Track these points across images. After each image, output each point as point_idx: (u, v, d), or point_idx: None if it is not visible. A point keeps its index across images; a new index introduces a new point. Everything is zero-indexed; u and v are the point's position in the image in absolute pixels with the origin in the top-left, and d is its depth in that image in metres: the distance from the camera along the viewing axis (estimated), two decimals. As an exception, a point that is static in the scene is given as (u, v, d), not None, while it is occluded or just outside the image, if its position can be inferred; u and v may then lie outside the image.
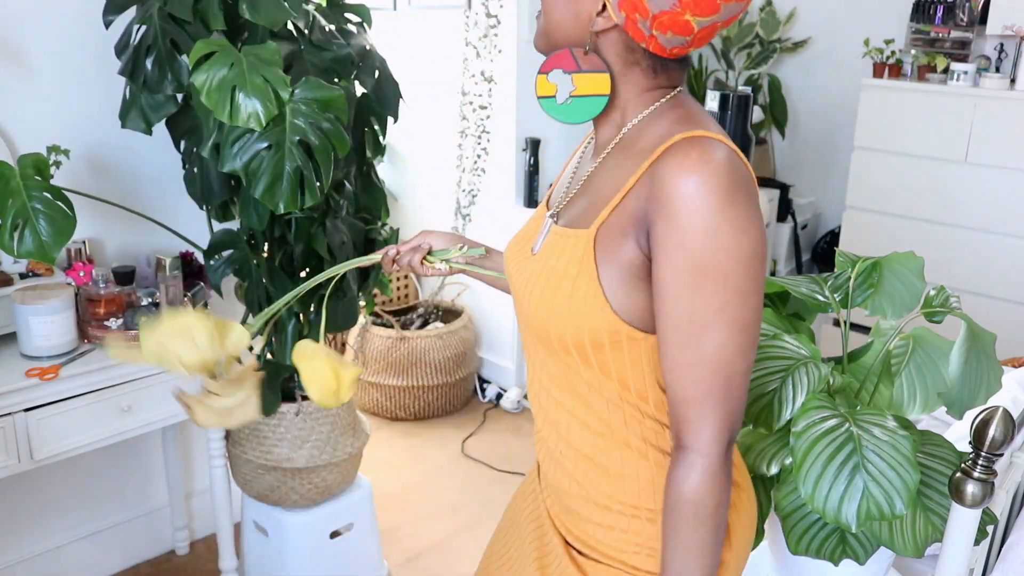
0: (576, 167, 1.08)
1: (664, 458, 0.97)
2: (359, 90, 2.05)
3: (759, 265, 0.85)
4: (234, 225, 2.10)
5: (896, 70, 3.59)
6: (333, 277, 1.26)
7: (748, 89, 2.84)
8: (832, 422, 1.19)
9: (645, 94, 0.96)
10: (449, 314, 3.55)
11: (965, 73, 3.33)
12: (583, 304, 0.91)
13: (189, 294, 1.94)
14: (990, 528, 1.33)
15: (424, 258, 1.25)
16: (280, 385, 2.13)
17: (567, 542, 1.06)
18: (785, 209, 4.09)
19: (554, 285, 0.94)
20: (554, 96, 0.96)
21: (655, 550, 0.98)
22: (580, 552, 1.04)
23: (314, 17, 1.95)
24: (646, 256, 0.88)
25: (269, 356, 2.12)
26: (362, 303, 2.19)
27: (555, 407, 1.02)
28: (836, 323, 3.71)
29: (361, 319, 3.24)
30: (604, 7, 0.92)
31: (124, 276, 1.93)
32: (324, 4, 2.03)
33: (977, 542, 1.25)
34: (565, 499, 1.05)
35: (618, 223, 0.90)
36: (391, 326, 3.34)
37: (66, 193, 1.71)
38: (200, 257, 2.10)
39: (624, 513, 0.99)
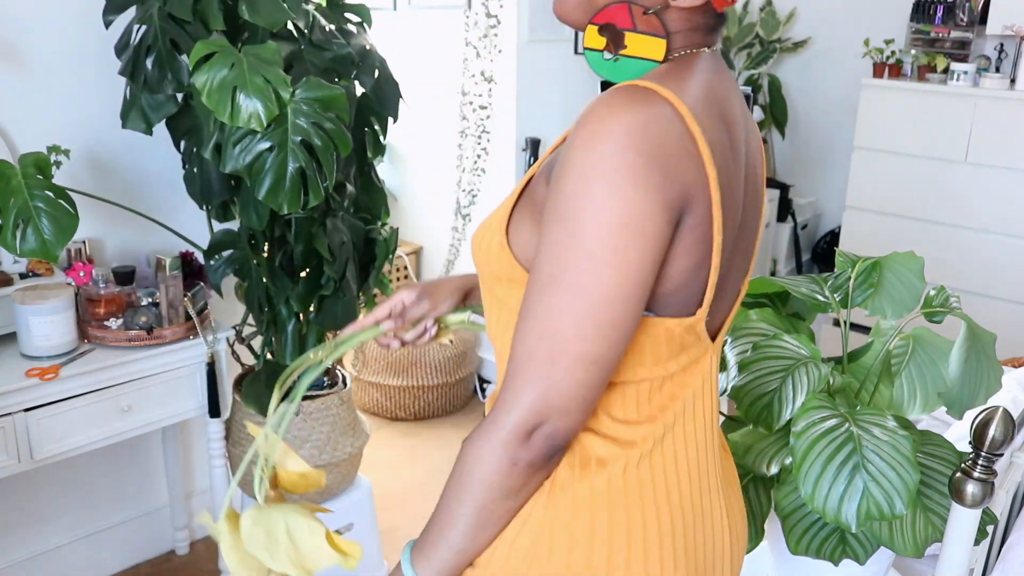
0: None
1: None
2: (359, 90, 2.05)
3: (627, 239, 0.73)
4: (234, 225, 2.10)
5: (896, 70, 3.59)
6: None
7: (748, 89, 2.84)
8: (832, 422, 1.19)
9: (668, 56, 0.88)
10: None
11: (965, 73, 3.33)
12: (492, 238, 0.87)
13: (189, 294, 1.94)
14: (990, 528, 1.34)
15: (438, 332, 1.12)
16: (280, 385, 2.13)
17: None
18: (785, 209, 4.09)
19: (486, 222, 0.90)
20: (601, 51, 0.88)
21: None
22: None
23: (314, 17, 1.95)
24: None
25: (269, 356, 2.12)
26: (362, 303, 2.19)
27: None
28: (836, 323, 3.71)
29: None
30: None
31: (124, 276, 1.93)
32: (324, 4, 2.03)
33: (977, 542, 1.25)
34: None
35: (548, 165, 0.85)
36: (391, 326, 3.33)
37: (67, 192, 1.71)
38: (200, 257, 2.11)
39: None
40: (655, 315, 0.82)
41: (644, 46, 0.86)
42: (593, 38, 0.88)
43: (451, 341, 1.16)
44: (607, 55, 0.88)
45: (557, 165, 0.78)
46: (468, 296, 1.13)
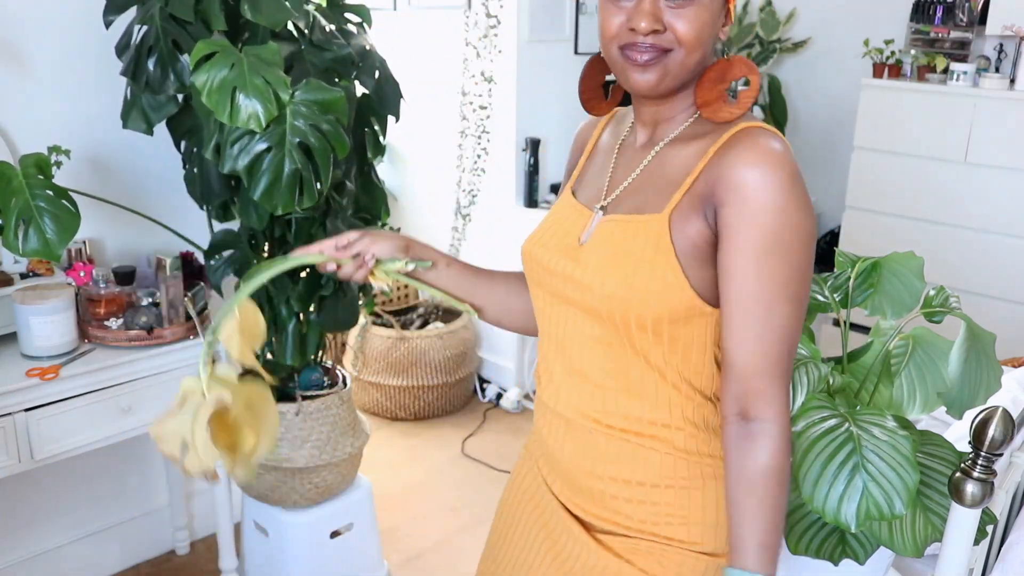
0: (613, 159, 1.10)
1: (697, 432, 1.02)
2: (359, 90, 2.05)
3: (814, 244, 0.94)
4: (234, 225, 2.10)
5: (896, 70, 3.59)
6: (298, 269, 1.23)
7: (748, 89, 2.84)
8: (832, 422, 1.19)
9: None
10: (449, 314, 3.55)
11: (965, 73, 3.33)
12: (664, 283, 0.95)
13: (189, 294, 1.94)
14: (990, 528, 1.34)
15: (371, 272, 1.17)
16: (279, 385, 2.13)
17: (586, 524, 1.07)
18: (785, 209, 4.09)
19: (631, 268, 0.97)
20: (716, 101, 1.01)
21: (686, 518, 1.02)
22: (604, 531, 1.06)
23: (314, 17, 1.95)
24: (712, 232, 0.95)
25: (269, 356, 2.12)
26: (362, 303, 2.19)
27: (593, 390, 1.04)
28: (836, 323, 3.71)
29: (361, 319, 3.25)
30: (728, 5, 0.99)
31: (124, 276, 1.93)
32: (324, 4, 2.03)
33: (977, 542, 1.25)
34: (587, 480, 1.06)
35: (688, 205, 0.96)
36: (391, 326, 3.34)
37: (68, 192, 1.71)
38: (200, 257, 2.11)
39: (658, 485, 1.02)
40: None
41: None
42: (705, 94, 1.02)
43: (388, 288, 1.21)
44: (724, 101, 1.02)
45: (732, 210, 0.92)
46: (408, 250, 1.18)
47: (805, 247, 0.92)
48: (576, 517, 1.09)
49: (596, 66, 1.13)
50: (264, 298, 2.00)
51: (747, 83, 0.99)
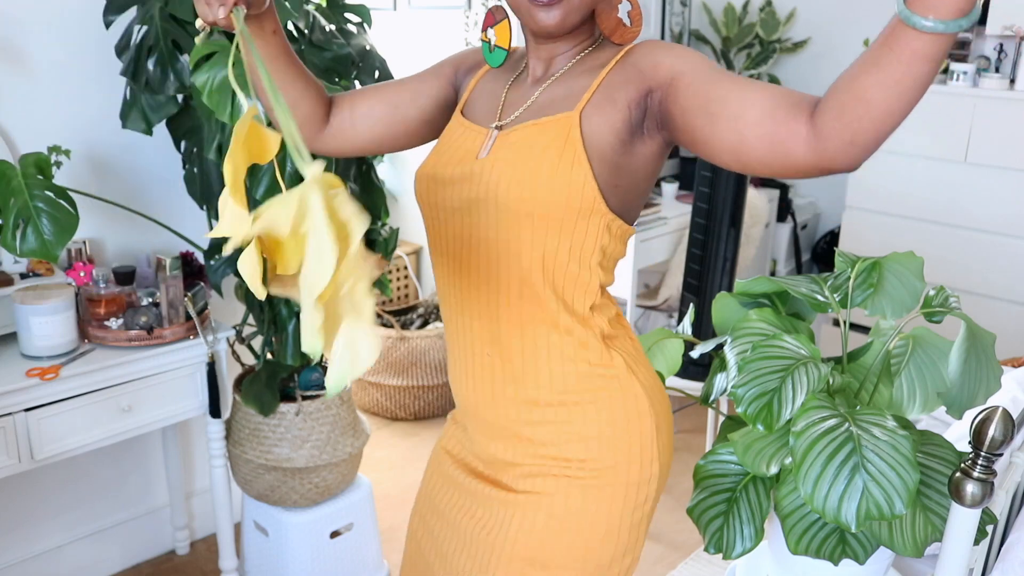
0: (506, 89, 1.13)
1: (586, 340, 1.06)
2: (359, 90, 2.05)
3: None
4: (234, 225, 2.10)
5: (896, 70, 3.58)
6: None
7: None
8: (832, 422, 1.19)
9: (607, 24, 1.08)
10: (449, 314, 3.55)
11: (965, 73, 3.33)
12: (571, 175, 0.99)
13: (189, 294, 1.94)
14: (990, 528, 1.34)
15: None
16: (279, 385, 2.13)
17: (503, 484, 1.11)
18: (785, 209, 4.09)
19: (535, 163, 1.00)
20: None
21: (583, 435, 1.06)
22: (526, 476, 1.09)
23: (314, 17, 1.95)
24: (632, 115, 1.00)
25: (269, 356, 2.12)
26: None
27: (487, 313, 1.07)
28: (836, 323, 3.71)
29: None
30: None
31: (124, 276, 1.93)
32: (324, 4, 2.03)
33: (977, 542, 1.26)
34: (493, 416, 1.10)
35: (601, 98, 1.01)
36: (391, 326, 3.34)
37: (68, 192, 1.71)
38: (200, 257, 2.11)
39: (551, 403, 1.06)
40: (624, 223, 1.05)
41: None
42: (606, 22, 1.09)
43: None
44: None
45: (667, 67, 0.98)
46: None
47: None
48: (491, 480, 1.13)
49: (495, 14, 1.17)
50: (264, 298, 2.00)
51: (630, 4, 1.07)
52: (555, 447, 1.07)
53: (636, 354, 1.12)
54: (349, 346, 0.71)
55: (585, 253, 1.03)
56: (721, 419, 1.57)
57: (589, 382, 1.06)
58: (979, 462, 1.19)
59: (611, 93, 1.02)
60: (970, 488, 1.18)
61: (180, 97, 1.92)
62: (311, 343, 0.71)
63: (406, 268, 3.81)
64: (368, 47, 2.06)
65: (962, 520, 1.21)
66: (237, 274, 2.01)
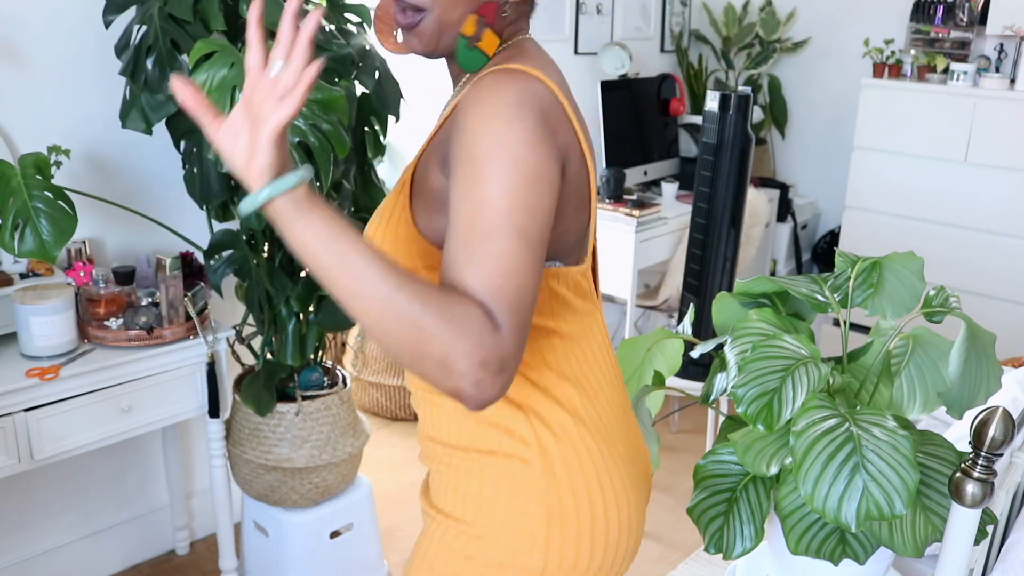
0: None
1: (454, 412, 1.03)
2: (359, 90, 2.05)
3: (543, 186, 0.84)
4: (234, 225, 2.10)
5: (896, 70, 3.59)
6: None
7: (748, 89, 2.83)
8: (832, 422, 1.19)
9: (501, 45, 0.99)
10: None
11: (965, 73, 3.33)
12: (397, 229, 0.97)
13: (189, 294, 1.94)
14: (990, 528, 1.33)
15: None
16: (278, 385, 2.13)
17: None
18: (785, 209, 4.09)
19: (379, 218, 0.99)
20: (469, 38, 0.95)
21: (457, 491, 1.01)
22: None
23: (314, 17, 1.95)
24: (447, 179, 0.90)
25: (269, 356, 2.12)
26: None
27: None
28: (836, 323, 3.71)
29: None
30: None
31: (124, 276, 1.93)
32: (324, 4, 2.03)
33: (977, 542, 1.25)
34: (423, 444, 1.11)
35: (432, 151, 0.96)
36: (391, 326, 3.34)
37: (67, 193, 1.71)
38: (200, 257, 2.11)
39: (448, 447, 1.05)
40: (559, 264, 0.97)
41: (490, 42, 0.96)
42: (470, 26, 0.95)
43: None
44: (471, 44, 0.95)
45: (455, 143, 0.86)
46: None
47: (529, 181, 0.82)
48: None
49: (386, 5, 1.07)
50: (264, 298, 2.00)
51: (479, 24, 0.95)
52: (437, 495, 1.05)
53: (575, 440, 0.98)
54: None
55: None
56: (721, 419, 1.57)
57: (483, 439, 0.98)
58: (979, 462, 1.19)
59: (437, 144, 0.96)
60: (970, 488, 1.18)
61: (180, 97, 1.92)
62: None
63: (406, 268, 3.81)
64: (368, 47, 2.06)
65: (962, 520, 1.21)
66: (236, 274, 2.01)
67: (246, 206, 0.79)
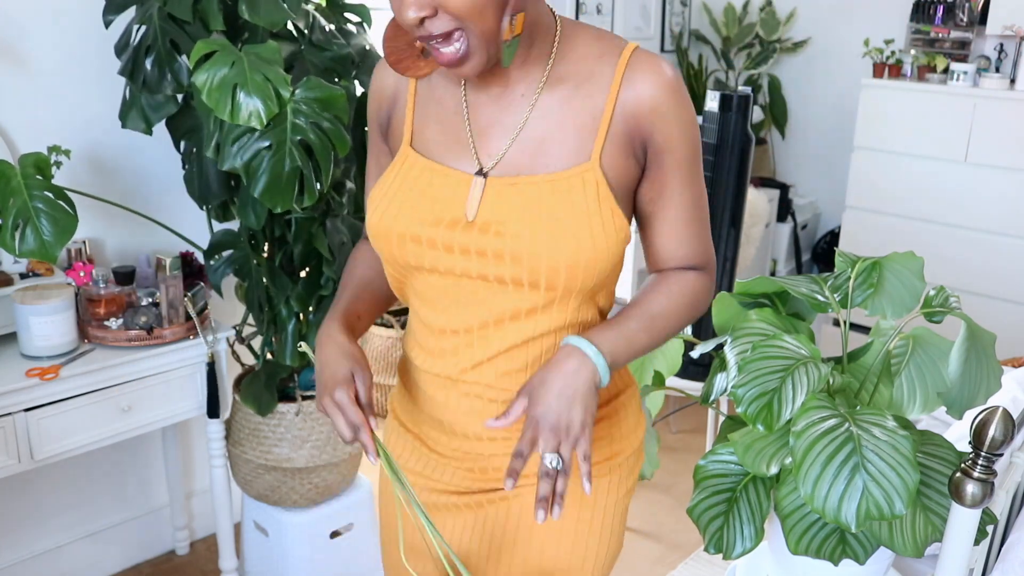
0: (465, 114, 1.00)
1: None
2: (359, 90, 2.05)
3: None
4: (234, 225, 2.10)
5: (896, 70, 3.59)
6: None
7: (748, 89, 2.83)
8: (832, 422, 1.19)
9: (546, 21, 0.97)
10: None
11: (965, 73, 3.33)
12: (614, 232, 0.96)
13: (189, 294, 1.94)
14: (990, 528, 1.33)
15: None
16: (279, 385, 2.13)
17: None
18: (785, 209, 4.09)
19: (572, 231, 0.93)
20: (518, 37, 0.92)
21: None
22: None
23: (314, 17, 1.95)
24: (640, 166, 0.99)
25: (269, 356, 2.12)
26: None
27: (496, 362, 1.02)
28: (836, 323, 3.71)
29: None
30: None
31: (124, 276, 1.93)
32: (324, 4, 2.03)
33: (977, 542, 1.25)
34: (480, 444, 1.08)
35: (615, 147, 0.96)
36: (391, 326, 3.34)
37: (67, 193, 1.71)
38: (200, 257, 2.11)
39: None
40: None
41: (520, 24, 0.92)
42: (519, 26, 0.91)
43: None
44: (514, 37, 0.92)
45: (663, 130, 0.97)
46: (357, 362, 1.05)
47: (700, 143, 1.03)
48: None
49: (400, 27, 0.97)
50: (264, 298, 2.00)
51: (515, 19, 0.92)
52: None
53: None
54: None
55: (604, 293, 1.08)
56: (721, 419, 1.57)
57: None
58: (979, 462, 1.19)
59: (621, 137, 0.96)
60: (970, 488, 1.18)
61: (180, 97, 1.92)
62: None
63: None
64: (368, 47, 2.06)
65: (962, 520, 1.21)
66: (236, 274, 2.01)
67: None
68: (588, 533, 1.12)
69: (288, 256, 1.99)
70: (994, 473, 1.19)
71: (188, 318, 1.95)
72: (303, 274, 2.00)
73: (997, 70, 3.42)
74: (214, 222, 2.06)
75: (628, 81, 0.95)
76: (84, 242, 2.01)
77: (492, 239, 0.94)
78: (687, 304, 1.06)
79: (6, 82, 1.94)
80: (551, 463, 0.91)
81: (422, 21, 0.86)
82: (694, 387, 2.67)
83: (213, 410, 2.02)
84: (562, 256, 0.93)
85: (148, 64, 1.81)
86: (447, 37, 0.88)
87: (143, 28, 1.82)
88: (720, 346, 1.45)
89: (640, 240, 1.09)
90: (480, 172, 0.97)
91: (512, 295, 0.97)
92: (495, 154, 0.98)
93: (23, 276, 1.92)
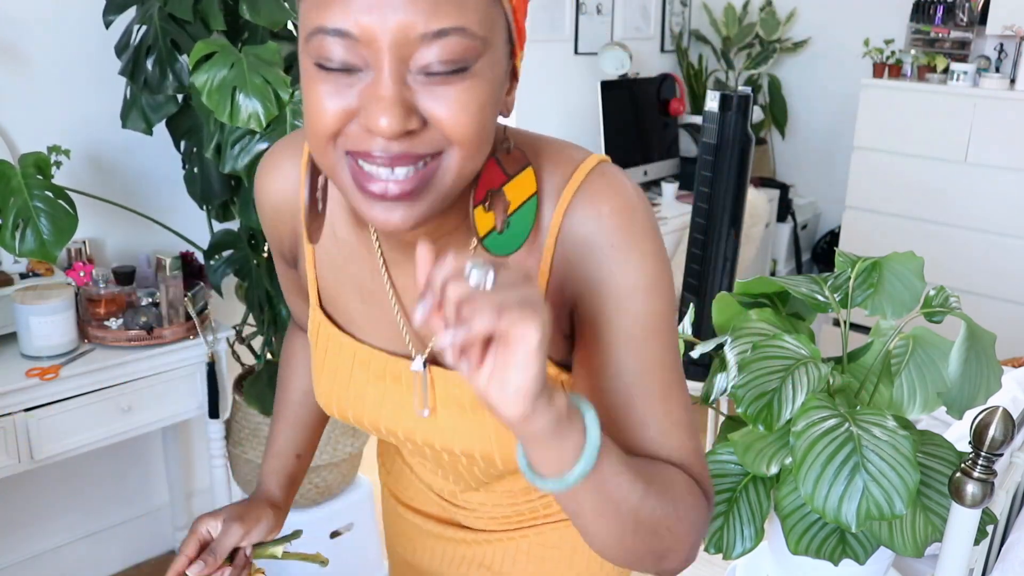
0: (390, 292, 0.77)
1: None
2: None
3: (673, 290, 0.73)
4: (234, 225, 2.10)
5: (896, 70, 3.59)
6: None
7: (748, 89, 2.84)
8: (832, 422, 1.19)
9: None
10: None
11: (965, 73, 3.33)
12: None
13: (189, 294, 1.94)
14: (990, 528, 1.34)
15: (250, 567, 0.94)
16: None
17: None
18: (785, 209, 4.09)
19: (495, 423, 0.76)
20: (494, 228, 0.68)
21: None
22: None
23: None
24: (567, 335, 0.74)
25: (269, 356, 2.12)
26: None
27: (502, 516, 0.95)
28: (836, 323, 3.71)
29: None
30: (514, 63, 0.65)
31: (124, 276, 1.93)
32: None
33: (977, 542, 1.26)
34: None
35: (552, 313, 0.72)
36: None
37: (67, 192, 1.71)
38: (200, 257, 2.11)
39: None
40: None
41: (521, 187, 0.69)
42: (485, 220, 0.67)
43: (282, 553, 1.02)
44: (499, 227, 0.68)
45: (607, 289, 0.69)
46: (284, 511, 0.99)
47: (673, 303, 0.72)
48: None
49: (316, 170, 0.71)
50: (264, 298, 2.00)
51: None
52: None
53: None
54: None
55: None
56: (721, 419, 1.57)
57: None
58: (979, 462, 1.19)
59: (554, 295, 0.73)
60: (970, 488, 1.18)
61: (180, 97, 1.92)
62: None
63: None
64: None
65: (962, 520, 1.21)
66: (237, 274, 2.01)
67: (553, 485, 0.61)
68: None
69: (288, 256, 2.00)
70: (994, 473, 1.19)
71: (188, 318, 1.95)
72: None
73: (997, 70, 3.42)
74: (214, 222, 2.06)
75: (566, 217, 0.70)
76: (84, 242, 2.01)
77: (453, 438, 0.79)
78: (673, 513, 0.67)
79: (6, 82, 1.94)
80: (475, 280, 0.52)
81: (404, 135, 0.59)
82: (694, 387, 2.67)
83: (213, 410, 2.02)
84: (501, 455, 0.77)
85: (149, 64, 1.81)
86: (415, 160, 0.60)
87: (144, 28, 1.82)
88: (720, 346, 1.45)
89: None
90: (419, 360, 0.77)
91: (474, 474, 0.87)
92: (426, 335, 0.78)
93: (23, 276, 1.92)
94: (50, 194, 1.67)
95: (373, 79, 0.58)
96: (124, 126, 1.91)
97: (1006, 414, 1.18)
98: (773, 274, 3.32)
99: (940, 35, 3.55)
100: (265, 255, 2.02)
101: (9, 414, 1.71)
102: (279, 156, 0.80)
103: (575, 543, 0.97)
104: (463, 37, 0.57)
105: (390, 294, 0.77)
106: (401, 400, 0.79)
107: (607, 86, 3.45)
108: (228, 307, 2.31)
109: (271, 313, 2.02)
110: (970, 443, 1.20)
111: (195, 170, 1.96)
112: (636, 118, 3.64)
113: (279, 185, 0.80)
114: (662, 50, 4.02)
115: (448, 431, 0.78)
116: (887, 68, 3.60)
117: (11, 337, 1.84)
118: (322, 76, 0.59)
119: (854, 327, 1.54)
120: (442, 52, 0.57)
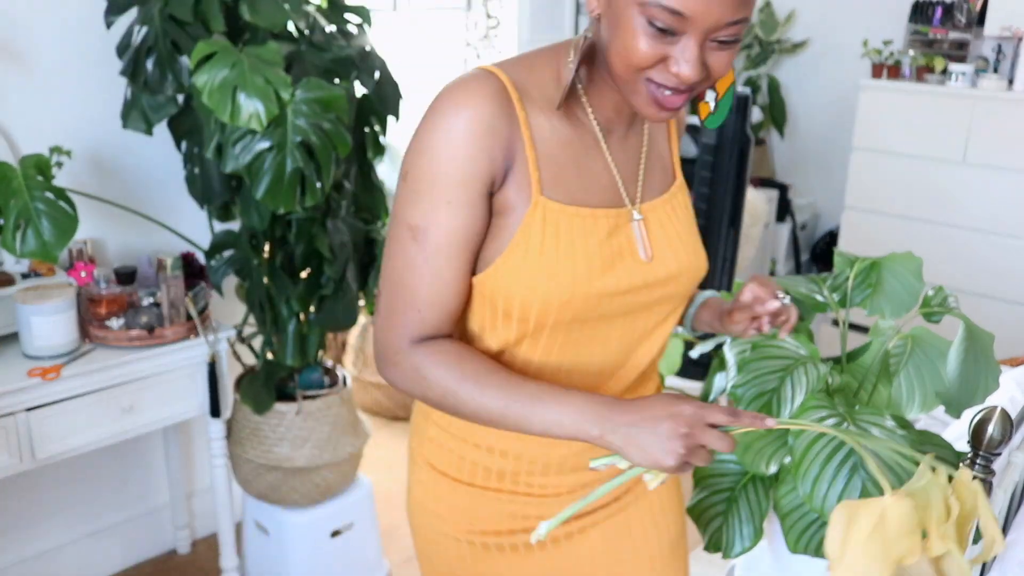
0: (606, 154, 1.00)
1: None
2: (359, 90, 2.06)
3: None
4: (235, 225, 2.10)
5: (894, 71, 3.59)
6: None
7: (747, 90, 2.84)
8: (831, 422, 1.19)
9: None
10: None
11: (963, 74, 3.34)
12: (701, 252, 1.07)
13: (190, 294, 1.95)
14: (988, 527, 1.34)
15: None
16: (279, 385, 2.14)
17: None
18: (784, 209, 4.10)
19: (691, 237, 1.05)
20: (712, 112, 0.96)
21: None
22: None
23: (314, 18, 1.95)
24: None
25: (270, 356, 2.13)
26: (362, 303, 2.20)
27: (642, 361, 1.07)
28: (835, 323, 3.72)
29: (362, 319, 3.25)
30: None
31: (125, 276, 1.94)
32: (324, 5, 2.04)
33: (975, 542, 1.26)
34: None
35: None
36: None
37: (68, 193, 1.71)
38: (201, 257, 2.11)
39: None
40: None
41: (724, 81, 0.97)
42: (703, 108, 0.97)
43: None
44: (713, 108, 0.97)
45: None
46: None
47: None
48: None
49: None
50: (265, 297, 2.00)
51: None
52: None
53: None
54: None
55: None
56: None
57: None
58: (978, 461, 1.19)
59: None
60: (968, 487, 1.18)
61: (181, 97, 1.92)
62: None
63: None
64: (369, 48, 2.06)
65: (960, 519, 1.22)
66: (237, 274, 2.01)
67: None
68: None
69: (289, 256, 2.00)
70: (992, 472, 1.20)
71: (189, 318, 1.95)
72: (304, 274, 2.01)
73: (995, 71, 3.42)
74: (215, 222, 2.07)
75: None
76: (85, 242, 2.02)
77: (663, 269, 1.01)
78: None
79: (8, 83, 1.94)
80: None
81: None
82: (694, 387, 2.68)
83: (214, 410, 2.02)
84: (702, 264, 1.05)
85: (149, 65, 1.81)
86: (690, 90, 0.90)
87: (144, 29, 1.83)
88: (719, 346, 1.46)
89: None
90: (632, 209, 1.01)
91: (655, 314, 1.03)
92: (632, 188, 1.02)
93: (25, 276, 1.92)
94: (51, 195, 1.67)
95: (684, 42, 0.85)
96: (125, 126, 1.92)
97: (1004, 414, 1.19)
98: (772, 274, 3.33)
99: (938, 36, 3.56)
100: (266, 255, 2.03)
101: (11, 414, 1.71)
102: (482, 91, 0.95)
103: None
104: (744, 23, 0.85)
105: (609, 159, 1.00)
106: (625, 252, 0.98)
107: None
108: (229, 307, 2.31)
109: (272, 313, 2.03)
110: (968, 442, 1.21)
111: (196, 170, 1.96)
112: (635, 118, 3.64)
113: (491, 109, 0.94)
114: (661, 50, 4.02)
115: (661, 267, 1.00)
116: (886, 69, 3.60)
117: (13, 337, 1.84)
118: (649, 31, 0.84)
119: (853, 327, 1.55)
120: (733, 32, 0.85)
